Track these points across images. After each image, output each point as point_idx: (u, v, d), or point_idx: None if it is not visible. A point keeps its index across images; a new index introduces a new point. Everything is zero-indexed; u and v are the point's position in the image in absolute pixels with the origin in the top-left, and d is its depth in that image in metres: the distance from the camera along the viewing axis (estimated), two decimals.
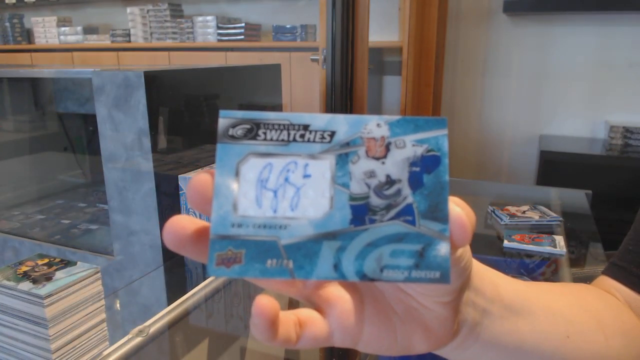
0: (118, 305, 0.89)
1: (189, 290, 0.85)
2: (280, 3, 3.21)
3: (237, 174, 0.23)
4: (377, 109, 2.76)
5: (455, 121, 2.55)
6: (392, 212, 0.23)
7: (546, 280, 0.86)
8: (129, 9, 3.53)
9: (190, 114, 1.04)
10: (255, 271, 0.22)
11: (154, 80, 0.92)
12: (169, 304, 0.80)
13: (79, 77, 1.52)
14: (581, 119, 2.32)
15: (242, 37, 3.16)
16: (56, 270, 0.61)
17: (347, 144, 0.24)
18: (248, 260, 0.22)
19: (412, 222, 0.23)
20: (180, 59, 3.31)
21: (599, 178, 2.04)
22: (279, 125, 0.24)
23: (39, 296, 0.56)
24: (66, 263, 0.63)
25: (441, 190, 0.24)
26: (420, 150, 0.24)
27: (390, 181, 0.24)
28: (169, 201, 0.98)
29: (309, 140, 0.24)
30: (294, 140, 0.24)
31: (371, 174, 0.24)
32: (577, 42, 2.25)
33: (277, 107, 1.34)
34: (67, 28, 3.86)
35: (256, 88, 1.27)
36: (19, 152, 1.65)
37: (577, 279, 0.86)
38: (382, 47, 2.70)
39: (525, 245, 0.96)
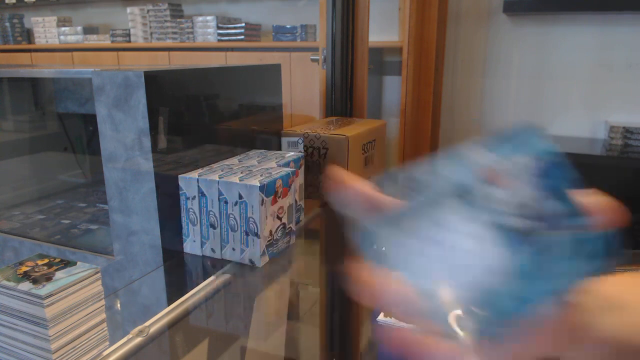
0: (118, 305, 0.89)
1: (189, 290, 0.85)
2: (280, 3, 3.21)
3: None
4: (377, 109, 2.75)
5: (455, 121, 2.55)
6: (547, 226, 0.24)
7: None
8: (129, 9, 3.53)
9: (190, 114, 1.04)
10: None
11: (154, 80, 0.92)
12: (169, 304, 0.80)
13: (78, 77, 1.52)
14: (581, 119, 2.31)
15: (242, 37, 3.16)
16: (56, 270, 0.61)
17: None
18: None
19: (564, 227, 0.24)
20: (180, 59, 3.31)
21: (598, 178, 2.03)
22: None
23: (39, 296, 0.56)
24: (66, 263, 0.63)
25: (570, 188, 0.25)
26: (531, 162, 0.26)
27: (526, 203, 0.25)
28: (169, 201, 0.98)
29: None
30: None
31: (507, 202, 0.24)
32: (577, 42, 2.25)
33: (277, 107, 1.34)
34: (67, 28, 3.86)
35: (256, 88, 1.27)
36: (19, 152, 1.65)
37: None
38: (382, 47, 2.70)
39: None
